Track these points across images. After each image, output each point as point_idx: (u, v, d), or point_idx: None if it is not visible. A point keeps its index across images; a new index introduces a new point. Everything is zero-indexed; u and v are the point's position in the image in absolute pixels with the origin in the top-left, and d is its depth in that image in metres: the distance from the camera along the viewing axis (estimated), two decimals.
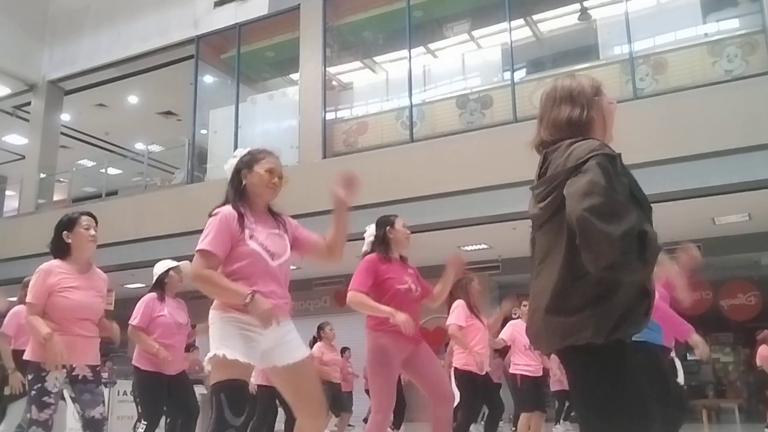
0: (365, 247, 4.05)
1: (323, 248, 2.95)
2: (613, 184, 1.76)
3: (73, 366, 3.44)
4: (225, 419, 2.57)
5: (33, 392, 3.35)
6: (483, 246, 10.65)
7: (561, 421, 9.88)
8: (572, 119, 2.00)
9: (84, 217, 3.59)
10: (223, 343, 2.61)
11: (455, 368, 5.43)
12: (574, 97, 2.02)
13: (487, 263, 11.27)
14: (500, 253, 10.96)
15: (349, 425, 11.25)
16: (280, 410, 6.62)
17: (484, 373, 5.36)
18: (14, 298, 5.61)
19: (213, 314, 2.72)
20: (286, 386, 2.83)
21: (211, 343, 2.66)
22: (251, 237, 2.71)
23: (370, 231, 4.08)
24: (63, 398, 3.57)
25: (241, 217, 2.74)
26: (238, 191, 2.82)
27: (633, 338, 1.85)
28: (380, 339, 3.78)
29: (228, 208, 2.75)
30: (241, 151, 2.93)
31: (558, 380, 8.66)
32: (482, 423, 8.02)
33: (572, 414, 9.90)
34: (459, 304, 5.32)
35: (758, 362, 9.45)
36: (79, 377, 3.45)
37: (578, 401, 1.95)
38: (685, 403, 3.86)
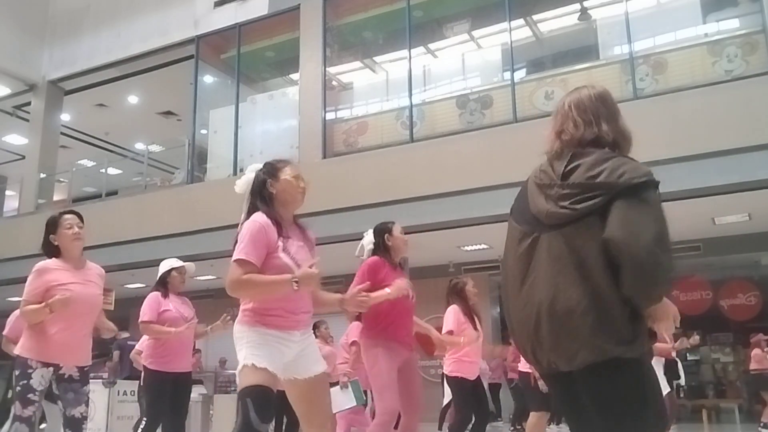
0: (364, 255, 4.02)
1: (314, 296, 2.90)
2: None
3: (60, 365, 3.43)
4: (251, 423, 2.48)
5: (18, 388, 3.34)
6: (483, 246, 10.64)
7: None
8: (618, 130, 2.01)
9: (66, 216, 3.55)
10: (251, 353, 2.59)
11: (444, 374, 5.32)
12: (616, 111, 2.05)
13: (487, 263, 11.24)
14: (500, 253, 10.78)
15: None
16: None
17: (474, 378, 5.24)
18: (15, 298, 5.61)
19: (240, 328, 2.69)
20: (299, 398, 2.80)
21: (239, 355, 2.64)
22: (284, 249, 2.67)
23: (368, 239, 4.05)
24: (55, 402, 3.56)
25: (279, 226, 2.70)
26: (268, 202, 2.76)
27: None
28: (377, 346, 3.85)
29: (264, 217, 2.69)
30: (256, 166, 2.87)
31: None
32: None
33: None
34: (452, 310, 5.20)
35: (752, 365, 9.43)
36: (65, 376, 3.44)
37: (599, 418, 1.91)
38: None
